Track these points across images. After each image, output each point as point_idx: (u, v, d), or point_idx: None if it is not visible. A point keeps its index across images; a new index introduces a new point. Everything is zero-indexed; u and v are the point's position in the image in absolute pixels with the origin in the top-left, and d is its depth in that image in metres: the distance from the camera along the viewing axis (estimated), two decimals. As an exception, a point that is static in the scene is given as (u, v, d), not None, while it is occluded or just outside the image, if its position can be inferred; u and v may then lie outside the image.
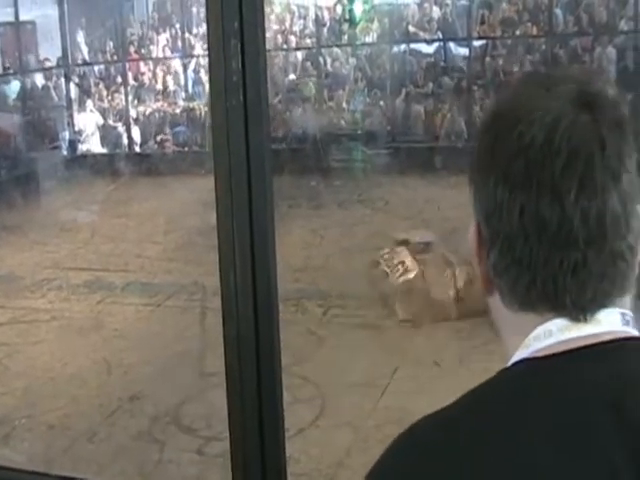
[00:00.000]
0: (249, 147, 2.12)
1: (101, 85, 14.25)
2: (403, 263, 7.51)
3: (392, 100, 13.19)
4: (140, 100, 14.08)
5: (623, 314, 1.05)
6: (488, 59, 13.19)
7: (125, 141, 13.84)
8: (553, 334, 1.04)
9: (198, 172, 10.17)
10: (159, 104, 14.01)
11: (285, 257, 7.82)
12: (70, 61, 14.29)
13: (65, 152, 13.56)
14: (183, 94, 14.05)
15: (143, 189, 11.49)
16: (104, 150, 13.70)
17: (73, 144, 13.67)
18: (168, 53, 14.56)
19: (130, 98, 13.97)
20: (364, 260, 7.99)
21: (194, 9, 14.74)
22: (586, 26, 12.74)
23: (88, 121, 13.71)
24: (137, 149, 13.77)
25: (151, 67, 14.28)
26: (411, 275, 7.43)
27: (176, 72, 14.26)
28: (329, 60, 13.81)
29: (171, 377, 6.05)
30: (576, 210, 1.00)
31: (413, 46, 13.56)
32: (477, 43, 13.36)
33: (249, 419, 2.18)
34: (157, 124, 13.84)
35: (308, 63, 13.88)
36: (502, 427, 1.01)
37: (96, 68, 14.53)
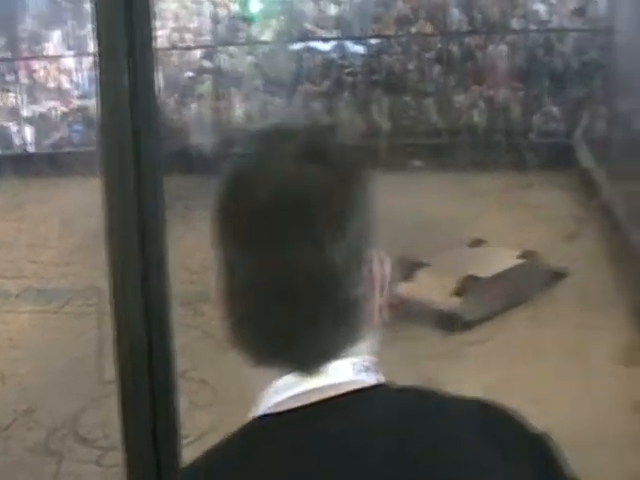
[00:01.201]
0: (139, 148, 2.08)
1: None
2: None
3: (288, 98, 13.18)
4: (33, 99, 13.79)
5: (354, 363, 1.07)
6: (384, 56, 13.27)
7: (17, 141, 13.55)
8: (281, 391, 1.06)
9: (94, 173, 9.97)
10: (53, 103, 13.74)
11: (182, 259, 7.76)
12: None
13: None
14: (77, 92, 13.80)
15: (37, 191, 11.24)
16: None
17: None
18: (62, 50, 14.27)
19: (22, 97, 13.67)
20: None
21: (87, 5, 14.49)
22: (480, 25, 12.92)
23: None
24: (30, 149, 13.49)
25: (44, 65, 13.99)
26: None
27: (70, 70, 13.99)
28: (226, 58, 13.72)
29: (68, 386, 5.95)
30: (305, 265, 1.02)
31: (310, 44, 13.56)
32: (373, 41, 13.43)
33: (142, 428, 2.14)
34: (51, 123, 13.58)
35: (204, 61, 13.77)
36: None
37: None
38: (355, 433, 1.06)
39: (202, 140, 12.71)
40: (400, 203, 9.88)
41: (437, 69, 12.84)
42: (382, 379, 1.12)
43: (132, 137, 2.08)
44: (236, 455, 1.08)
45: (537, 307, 6.82)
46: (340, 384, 1.07)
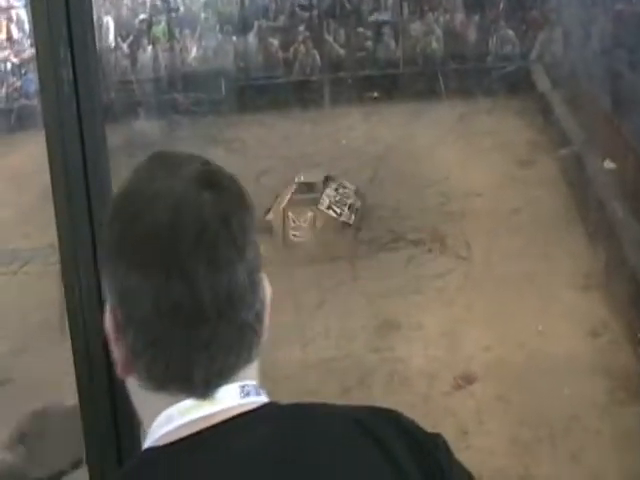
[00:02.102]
0: (78, 97, 2.06)
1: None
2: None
3: (244, 36, 13.04)
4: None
5: (243, 386, 1.09)
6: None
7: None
8: (174, 419, 1.07)
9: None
10: (4, 53, 13.53)
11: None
12: None
13: None
14: (29, 42, 13.58)
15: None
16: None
17: None
18: (11, 1, 14.03)
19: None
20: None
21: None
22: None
23: None
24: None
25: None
26: (270, 217, 7.48)
27: (20, 20, 13.76)
28: (177, -1, 13.53)
29: (32, 348, 5.95)
30: (206, 287, 1.03)
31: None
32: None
33: (98, 388, 2.17)
34: (3, 75, 13.39)
35: (157, 2, 13.57)
36: None
37: None
38: (242, 457, 1.07)
39: (157, 84, 12.58)
40: (357, 135, 9.90)
41: (391, -2, 12.72)
42: (266, 399, 1.13)
43: (72, 88, 2.06)
44: None
45: (495, 236, 6.85)
46: (229, 409, 1.08)
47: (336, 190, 7.79)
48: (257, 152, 9.83)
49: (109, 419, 2.14)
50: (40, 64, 2.05)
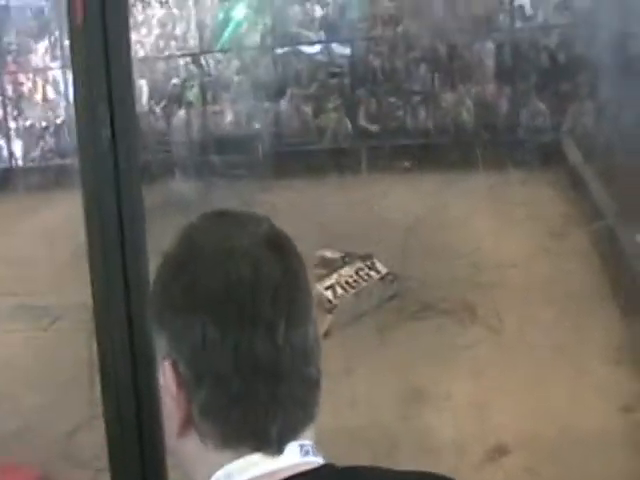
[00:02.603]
0: (117, 158, 2.08)
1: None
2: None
3: (277, 102, 13.17)
4: (20, 111, 13.78)
5: (302, 445, 1.09)
6: (371, 57, 13.27)
7: (5, 155, 13.54)
8: (234, 475, 1.06)
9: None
10: (40, 115, 13.73)
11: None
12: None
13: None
14: (64, 103, 13.78)
15: (27, 204, 11.23)
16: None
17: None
18: (47, 62, 14.25)
19: (9, 110, 13.66)
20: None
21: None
22: (465, 23, 12.91)
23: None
24: (18, 163, 13.48)
25: (30, 77, 13.97)
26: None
27: (56, 81, 13.97)
28: (212, 64, 13.71)
29: (60, 407, 5.93)
30: (285, 342, 1.04)
31: (297, 47, 13.54)
32: (359, 42, 13.43)
33: (129, 451, 2.15)
34: (38, 136, 13.57)
35: (191, 67, 13.76)
36: None
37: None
38: None
39: (191, 146, 12.71)
40: (388, 204, 9.92)
41: (423, 68, 12.84)
42: (322, 461, 1.13)
43: (110, 147, 2.08)
44: None
45: (527, 307, 6.81)
46: (290, 467, 1.08)
47: (357, 271, 7.61)
48: (288, 217, 9.85)
49: (139, 474, 2.13)
50: (79, 122, 2.07)
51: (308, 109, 13.08)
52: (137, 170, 2.23)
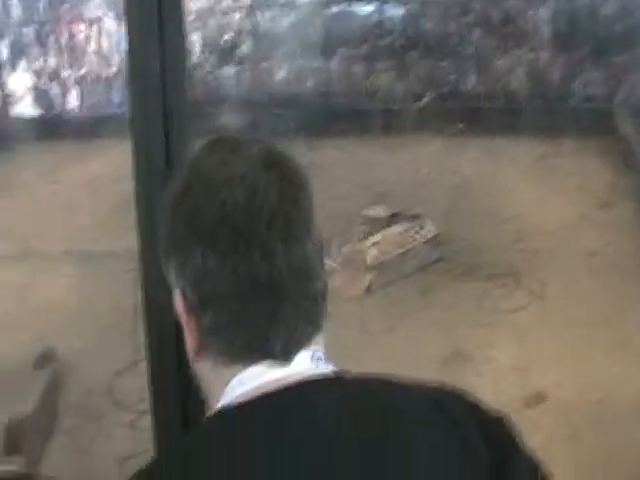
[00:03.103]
0: (168, 112, 2.10)
1: (33, 45, 13.97)
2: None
3: (328, 61, 13.14)
4: (74, 60, 13.85)
5: (313, 353, 1.14)
6: (423, 20, 13.17)
7: (59, 103, 13.62)
8: (246, 382, 1.11)
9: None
10: (94, 65, 13.80)
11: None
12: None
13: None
14: (118, 54, 13.82)
15: (76, 153, 11.32)
16: (36, 113, 13.46)
17: (4, 107, 13.41)
18: (102, 12, 14.29)
19: (64, 59, 13.73)
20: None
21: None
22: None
23: (20, 83, 13.46)
24: (71, 111, 13.56)
25: (85, 27, 14.02)
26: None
27: (111, 32, 14.02)
28: (264, 21, 13.68)
29: (103, 351, 6.02)
30: (283, 262, 1.09)
31: (350, 7, 13.47)
32: (412, 4, 13.33)
33: (170, 393, 2.20)
34: (92, 86, 13.64)
35: (244, 22, 13.74)
36: (206, 475, 1.08)
37: (28, 28, 14.21)
38: (317, 416, 1.11)
39: (243, 104, 12.72)
40: (435, 166, 9.90)
41: (477, 33, 12.73)
42: (335, 368, 1.17)
43: (162, 101, 2.10)
44: (217, 444, 1.12)
45: (571, 276, 6.80)
46: (301, 372, 1.12)
47: (406, 230, 7.56)
48: (335, 176, 9.88)
49: (179, 414, 2.18)
50: (130, 57, 2.09)
51: (359, 69, 13.03)
52: (186, 108, 2.25)
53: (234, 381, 1.14)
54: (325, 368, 1.17)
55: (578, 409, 4.90)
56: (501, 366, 5.54)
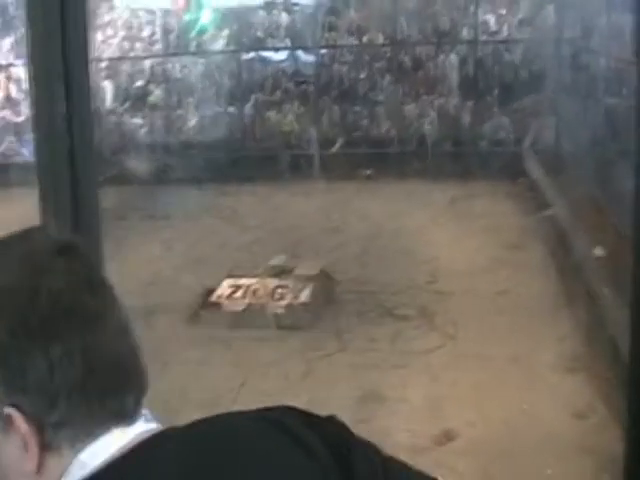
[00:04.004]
0: (75, 163, 2.09)
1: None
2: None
3: (241, 108, 13.20)
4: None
5: (144, 415, 1.16)
6: (336, 66, 13.34)
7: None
8: (110, 446, 1.11)
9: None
10: (3, 113, 13.65)
11: (134, 270, 7.74)
12: None
13: None
14: (27, 101, 13.69)
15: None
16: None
17: None
18: (11, 59, 14.17)
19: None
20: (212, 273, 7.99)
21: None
22: (430, 35, 13.04)
23: None
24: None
25: (-6, 74, 13.89)
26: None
27: (19, 78, 13.89)
28: (178, 67, 13.71)
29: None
30: (115, 325, 1.12)
31: (262, 54, 13.58)
32: (325, 50, 13.51)
33: None
34: (1, 133, 13.49)
35: (156, 70, 13.75)
36: None
37: None
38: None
39: (155, 151, 12.68)
40: (348, 211, 9.98)
41: (388, 79, 12.92)
42: (159, 426, 1.19)
43: (68, 153, 2.09)
44: None
45: (483, 316, 6.89)
46: (139, 435, 1.13)
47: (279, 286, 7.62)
48: (248, 222, 9.90)
49: None
50: (36, 99, 2.08)
51: (272, 115, 13.11)
52: (91, 148, 2.25)
53: (93, 449, 1.11)
54: (155, 426, 1.17)
55: (489, 446, 4.94)
56: (414, 406, 5.57)
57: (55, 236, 1.19)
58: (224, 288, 7.59)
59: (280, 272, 7.82)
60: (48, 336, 1.07)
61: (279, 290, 7.48)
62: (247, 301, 7.38)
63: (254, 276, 7.74)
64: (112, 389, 1.12)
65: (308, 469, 1.14)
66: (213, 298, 7.49)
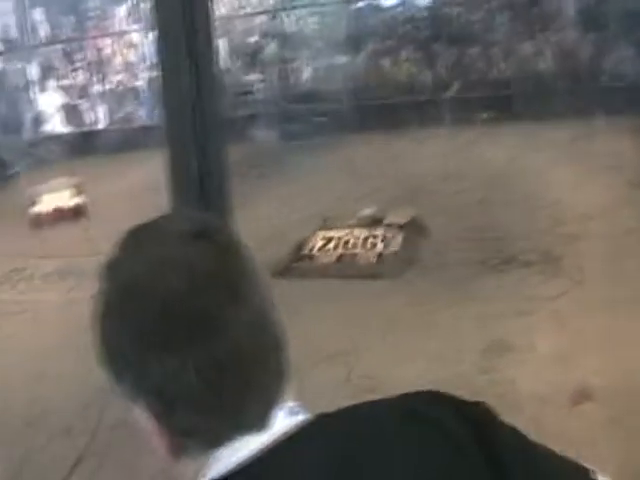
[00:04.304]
0: (200, 119, 2.11)
1: (61, 63, 14.09)
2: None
3: (355, 57, 13.10)
4: (102, 76, 13.95)
5: (289, 409, 1.11)
6: (449, 8, 13.08)
7: (88, 119, 13.74)
8: (240, 450, 1.07)
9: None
10: (121, 78, 13.89)
11: (252, 227, 7.80)
12: (28, 40, 14.11)
13: (27, 134, 13.44)
14: (144, 65, 13.91)
15: (111, 167, 11.39)
16: (67, 129, 13.58)
17: (35, 126, 13.54)
18: (127, 25, 14.39)
19: (92, 74, 13.84)
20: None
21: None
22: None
23: (50, 101, 13.58)
24: (100, 126, 13.66)
25: (111, 41, 14.13)
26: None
27: (136, 44, 14.10)
28: (290, 21, 13.68)
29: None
30: (240, 329, 1.05)
31: (374, 1, 13.41)
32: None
33: None
34: (120, 99, 13.74)
35: (268, 25, 13.75)
36: None
37: (56, 46, 14.34)
38: (306, 470, 1.09)
39: (273, 107, 12.73)
40: (467, 156, 9.85)
41: (502, 18, 12.60)
42: (309, 416, 1.15)
43: (192, 109, 2.13)
44: None
45: (609, 259, 6.72)
46: (280, 432, 1.10)
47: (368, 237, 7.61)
48: (366, 172, 9.86)
49: None
50: (164, 80, 2.10)
51: (386, 63, 12.98)
52: (220, 126, 2.27)
53: (215, 457, 1.10)
54: (303, 419, 1.14)
55: (622, 396, 4.80)
56: (542, 355, 5.47)
57: (188, 222, 1.15)
58: (316, 240, 7.65)
59: (371, 222, 7.81)
60: (163, 345, 1.06)
61: (370, 240, 7.50)
62: (340, 252, 7.42)
63: (346, 227, 7.76)
64: (234, 401, 1.09)
65: (456, 467, 1.12)
66: (305, 251, 7.55)
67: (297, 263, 7.50)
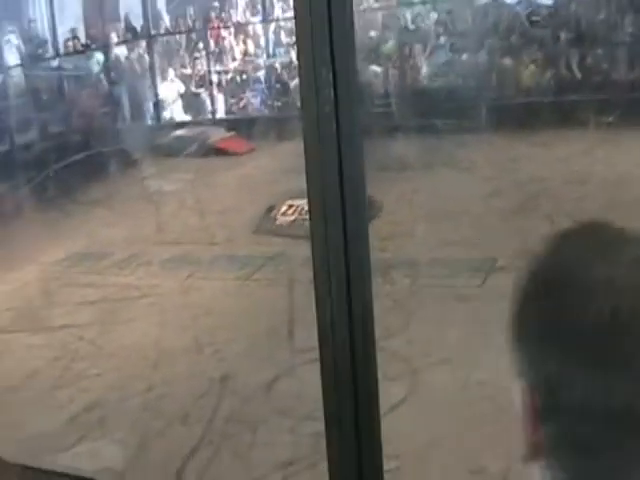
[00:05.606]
0: (339, 117, 2.07)
1: (183, 52, 14.26)
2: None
3: (475, 55, 12.92)
4: (222, 65, 14.07)
5: None
6: (573, 6, 12.81)
7: (208, 107, 13.86)
8: None
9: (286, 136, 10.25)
10: (240, 67, 14.00)
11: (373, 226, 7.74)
12: (152, 30, 14.31)
13: (149, 122, 13.62)
14: (264, 56, 14.01)
15: (228, 157, 11.44)
16: (187, 117, 13.73)
17: (157, 113, 13.72)
18: (248, 16, 14.50)
19: (211, 64, 13.97)
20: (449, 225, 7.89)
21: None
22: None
23: (170, 89, 13.75)
24: (220, 114, 13.77)
25: (232, 32, 14.25)
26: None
27: (256, 35, 14.20)
28: (409, 17, 13.59)
29: (261, 355, 6.02)
30: None
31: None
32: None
33: (344, 398, 2.15)
34: (238, 88, 13.84)
35: (388, 20, 13.69)
36: None
37: (177, 36, 14.53)
38: None
39: (385, 100, 12.65)
40: (590, 160, 9.60)
41: (629, 17, 12.27)
42: None
43: (332, 110, 2.06)
44: None
45: None
46: None
47: None
48: (485, 173, 9.71)
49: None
50: (303, 84, 2.05)
51: (507, 61, 12.76)
52: (359, 132, 2.22)
53: None
54: None
55: None
56: None
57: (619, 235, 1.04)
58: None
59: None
60: (571, 353, 0.97)
61: None
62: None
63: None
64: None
65: None
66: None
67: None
